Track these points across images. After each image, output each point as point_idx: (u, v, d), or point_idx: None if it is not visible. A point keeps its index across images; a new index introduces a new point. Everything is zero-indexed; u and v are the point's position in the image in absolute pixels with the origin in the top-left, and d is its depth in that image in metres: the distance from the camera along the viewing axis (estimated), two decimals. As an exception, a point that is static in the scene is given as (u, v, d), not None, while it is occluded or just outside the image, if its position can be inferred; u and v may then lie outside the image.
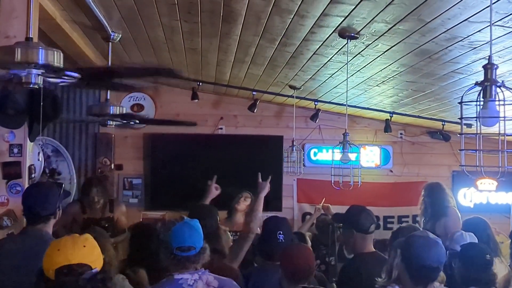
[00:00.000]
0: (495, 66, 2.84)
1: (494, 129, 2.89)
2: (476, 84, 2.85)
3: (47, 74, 3.31)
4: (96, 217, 6.87)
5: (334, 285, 5.07)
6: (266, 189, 5.31)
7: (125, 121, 6.10)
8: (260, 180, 5.39)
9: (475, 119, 2.83)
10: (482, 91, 2.82)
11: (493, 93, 2.78)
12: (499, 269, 4.81)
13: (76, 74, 3.42)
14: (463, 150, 2.96)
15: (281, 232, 4.67)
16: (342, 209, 9.27)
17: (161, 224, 6.64)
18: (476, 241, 5.00)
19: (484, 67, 2.87)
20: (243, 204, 7.39)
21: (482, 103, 2.82)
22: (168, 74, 5.00)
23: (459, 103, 2.98)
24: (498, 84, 2.79)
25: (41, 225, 3.99)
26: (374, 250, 4.75)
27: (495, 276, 4.33)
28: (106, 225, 6.88)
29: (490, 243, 5.39)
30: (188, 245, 3.53)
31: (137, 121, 6.34)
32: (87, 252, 2.59)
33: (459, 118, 2.97)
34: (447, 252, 4.81)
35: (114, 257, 4.07)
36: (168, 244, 3.59)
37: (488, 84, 2.79)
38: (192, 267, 3.55)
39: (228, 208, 7.51)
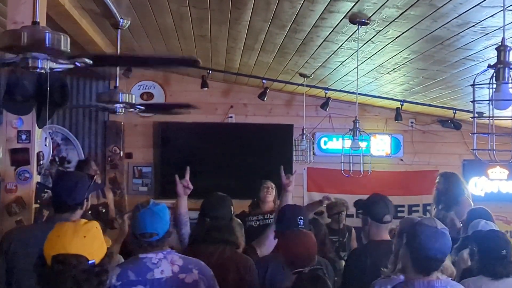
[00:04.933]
0: (509, 48, 2.79)
1: (507, 113, 2.85)
2: (489, 66, 2.80)
3: (54, 59, 3.27)
4: (93, 203, 6.86)
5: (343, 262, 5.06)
6: (292, 184, 5.28)
7: (131, 109, 6.04)
8: (283, 174, 5.32)
9: (488, 102, 2.78)
10: (495, 74, 2.77)
11: (506, 75, 2.73)
12: None
13: (87, 60, 3.38)
14: (475, 133, 2.91)
15: (302, 218, 4.64)
16: (352, 198, 9.33)
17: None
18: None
19: (497, 49, 2.82)
20: (271, 193, 7.26)
21: (495, 85, 2.77)
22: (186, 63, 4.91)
23: (471, 85, 2.93)
24: (511, 66, 2.74)
25: (67, 214, 3.93)
26: (388, 239, 4.72)
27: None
28: (103, 210, 6.91)
29: None
30: (150, 231, 3.59)
31: (142, 107, 6.27)
32: (86, 243, 2.53)
33: (471, 101, 2.93)
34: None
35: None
36: (133, 229, 3.72)
37: (501, 66, 2.74)
38: (157, 250, 3.62)
39: (252, 199, 7.49)
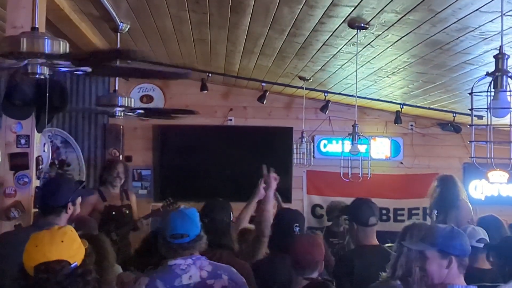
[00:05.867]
0: (506, 56, 2.79)
1: (505, 120, 2.85)
2: (487, 74, 2.81)
3: (53, 64, 3.29)
4: (117, 204, 6.91)
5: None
6: (273, 185, 5.26)
7: (130, 113, 6.06)
8: (265, 172, 5.31)
9: (486, 110, 2.79)
10: (493, 82, 2.77)
11: (504, 83, 2.73)
12: None
13: (86, 69, 3.40)
14: (473, 141, 2.91)
15: (298, 225, 4.65)
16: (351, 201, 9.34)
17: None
18: (486, 236, 4.92)
19: (495, 57, 2.83)
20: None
21: (493, 93, 2.77)
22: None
23: (469, 93, 2.93)
24: (509, 74, 2.75)
25: (52, 217, 3.97)
26: (376, 243, 4.71)
27: None
28: (127, 211, 6.95)
29: None
30: (181, 232, 3.57)
31: (142, 112, 6.30)
32: (65, 247, 2.51)
33: (469, 109, 2.92)
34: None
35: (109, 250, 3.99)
36: (163, 232, 3.67)
37: (499, 74, 2.74)
38: (187, 254, 3.59)
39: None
